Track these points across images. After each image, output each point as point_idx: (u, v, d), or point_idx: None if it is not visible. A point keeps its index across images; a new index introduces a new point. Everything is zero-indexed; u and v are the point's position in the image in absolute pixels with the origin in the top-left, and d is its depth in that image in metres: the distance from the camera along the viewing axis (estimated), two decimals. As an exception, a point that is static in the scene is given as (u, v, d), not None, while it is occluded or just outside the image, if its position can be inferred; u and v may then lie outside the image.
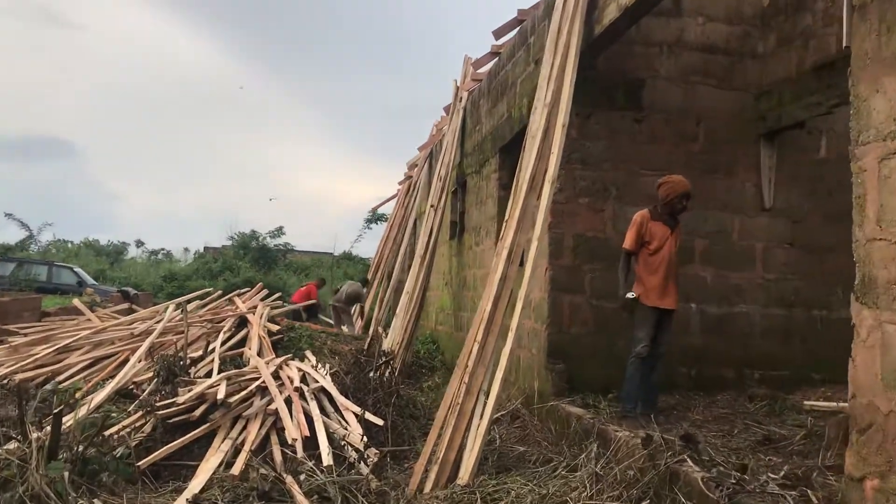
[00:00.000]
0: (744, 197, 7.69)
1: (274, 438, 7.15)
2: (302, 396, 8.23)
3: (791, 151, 7.73)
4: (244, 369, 9.43)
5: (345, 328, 17.12)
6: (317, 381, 8.93)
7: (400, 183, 20.25)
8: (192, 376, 8.54)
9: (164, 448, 6.39)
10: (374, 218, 34.49)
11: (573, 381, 7.28)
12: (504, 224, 6.65)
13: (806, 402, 7.06)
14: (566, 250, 7.41)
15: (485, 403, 6.07)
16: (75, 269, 27.63)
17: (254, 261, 36.30)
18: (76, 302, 13.43)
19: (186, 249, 49.51)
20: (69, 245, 45.50)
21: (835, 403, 6.95)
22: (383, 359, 9.58)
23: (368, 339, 13.55)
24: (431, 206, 12.33)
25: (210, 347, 10.71)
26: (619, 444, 5.44)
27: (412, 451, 7.44)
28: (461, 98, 12.59)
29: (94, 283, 27.40)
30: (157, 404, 7.12)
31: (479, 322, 6.30)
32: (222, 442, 6.90)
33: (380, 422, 7.28)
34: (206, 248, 45.46)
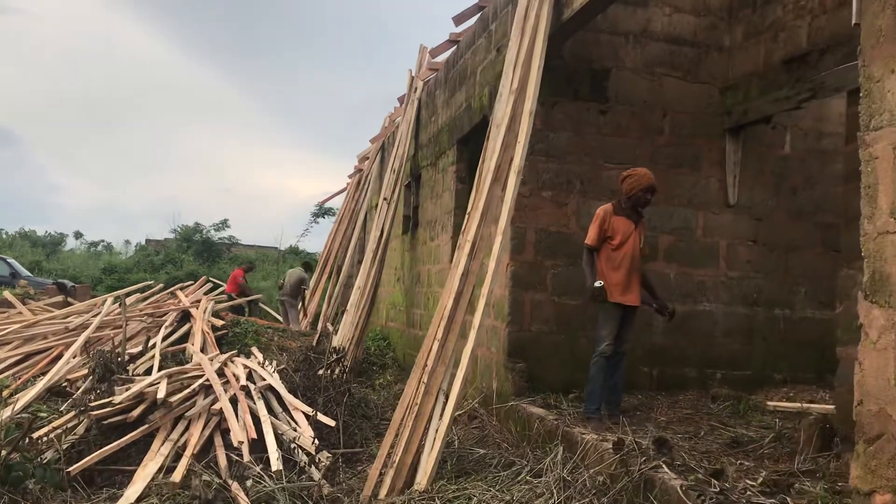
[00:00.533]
0: (708, 193, 7.53)
1: (218, 440, 6.73)
2: (248, 395, 7.82)
3: (756, 147, 7.60)
4: (187, 366, 8.96)
5: (291, 325, 16.62)
6: (264, 379, 8.52)
7: (350, 176, 19.80)
8: (130, 374, 8.04)
9: (98, 452, 5.93)
10: (322, 212, 33.92)
11: (534, 381, 7.03)
12: (466, 217, 6.35)
13: (769, 403, 6.93)
14: (528, 245, 7.15)
15: (444, 404, 5.77)
16: (8, 261, 26.48)
17: (197, 254, 35.41)
18: (7, 294, 12.71)
19: (128, 242, 48.13)
20: (3, 235, 43.81)
21: (798, 404, 6.84)
22: (334, 356, 9.20)
23: (317, 336, 13.15)
24: (384, 199, 11.97)
25: (150, 343, 10.20)
26: (587, 448, 5.18)
27: (366, 454, 7.10)
28: (416, 88, 12.25)
29: (29, 275, 26.33)
30: (91, 404, 6.63)
31: (439, 319, 5.99)
32: (162, 445, 6.46)
33: (331, 423, 6.92)
34: (147, 241, 44.22)
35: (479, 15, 8.99)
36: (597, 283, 6.01)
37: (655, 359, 7.30)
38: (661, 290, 6.92)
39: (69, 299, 14.87)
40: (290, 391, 8.20)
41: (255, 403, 7.57)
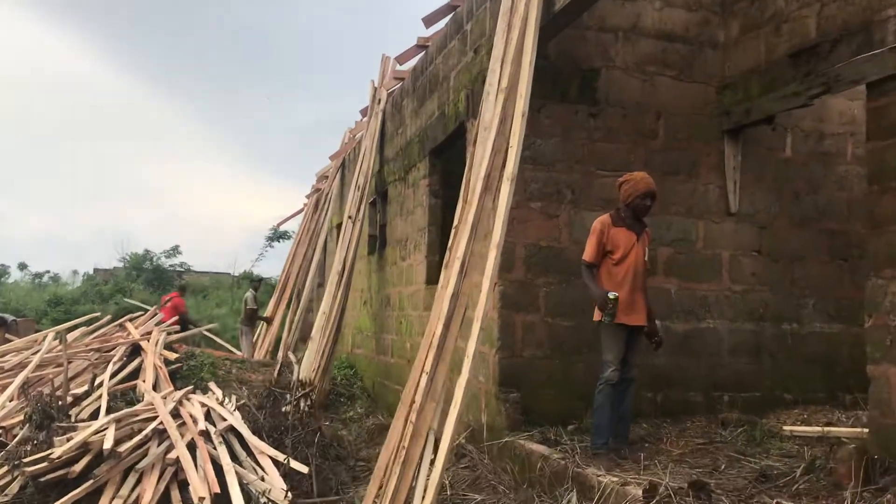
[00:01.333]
0: (708, 200, 6.96)
1: (176, 495, 5.89)
2: (208, 439, 6.99)
3: (756, 150, 7.07)
4: (137, 407, 8.06)
5: (246, 354, 15.66)
6: (224, 420, 7.69)
7: (308, 196, 18.99)
8: (73, 419, 7.14)
9: (29, 523, 5.05)
10: (277, 236, 32.90)
11: (528, 413, 6.34)
12: (453, 232, 5.66)
13: (785, 427, 6.34)
14: (517, 262, 6.48)
15: (436, 447, 5.04)
16: (-56, 295, 24.97)
17: (148, 282, 34.04)
18: (-66, 332, 11.59)
19: (75, 272, 46.23)
20: (-62, 269, 41.73)
21: (818, 428, 6.26)
22: (300, 390, 8.39)
23: (278, 367, 12.29)
24: (349, 217, 11.23)
25: (97, 381, 9.27)
26: (607, 494, 4.50)
27: (342, 502, 6.33)
28: (380, 99, 11.57)
29: (-34, 309, 24.83)
30: (25, 459, 5.75)
31: (427, 348, 5.28)
32: (111, 503, 5.60)
33: (304, 469, 6.15)
34: (95, 270, 42.55)
35: (451, 16, 8.36)
36: (611, 294, 5.34)
37: (659, 383, 6.67)
38: (660, 308, 6.31)
39: (8, 335, 13.77)
40: (254, 432, 7.38)
41: (216, 448, 6.74)
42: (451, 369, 5.32)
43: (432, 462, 5.06)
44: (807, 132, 7.22)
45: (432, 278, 8.74)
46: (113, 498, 5.64)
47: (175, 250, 37.21)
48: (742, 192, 6.98)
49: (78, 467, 5.72)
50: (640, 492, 4.26)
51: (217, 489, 5.53)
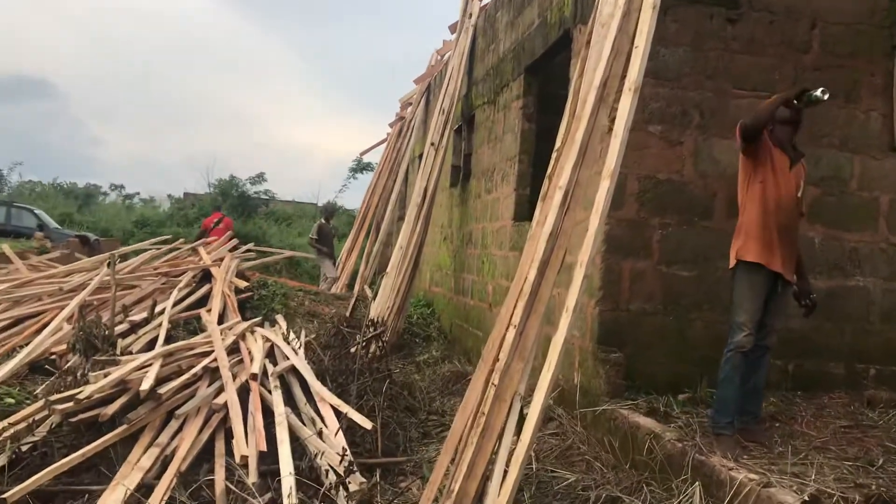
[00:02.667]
0: (868, 131, 5.67)
1: (220, 447, 5.17)
2: (267, 380, 6.27)
3: (933, 71, 5.71)
4: (194, 340, 7.40)
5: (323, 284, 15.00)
6: (287, 359, 6.97)
7: (391, 125, 18.06)
8: (118, 350, 6.52)
9: (43, 472, 4.36)
10: (360, 167, 32.32)
11: (632, 376, 5.33)
12: (554, 156, 4.62)
13: (952, 414, 5.16)
14: (628, 198, 5.40)
15: (523, 416, 4.11)
16: (36, 212, 25.35)
17: (232, 208, 34.06)
18: (3, 247, 11.29)
19: (169, 196, 46.99)
20: (37, 189, 42.96)
21: None
22: (371, 331, 7.59)
23: (353, 301, 11.58)
24: (431, 144, 10.24)
25: (159, 308, 8.70)
26: (744, 496, 3.49)
27: (411, 462, 5.51)
28: (471, 13, 10.42)
29: (58, 227, 25.18)
30: (54, 397, 5.11)
31: (517, 297, 4.30)
32: (145, 452, 4.90)
33: (368, 425, 5.32)
34: (185, 195, 43.08)
35: None
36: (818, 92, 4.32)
37: (791, 349, 5.53)
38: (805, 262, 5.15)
39: (91, 254, 13.46)
40: (317, 375, 6.63)
41: (272, 393, 6.01)
42: (544, 323, 4.34)
43: (517, 434, 4.14)
44: None
45: (521, 214, 7.73)
46: (149, 446, 4.94)
47: (260, 177, 37.15)
48: (911, 123, 5.66)
49: (111, 409, 5.04)
50: (791, 499, 3.23)
51: (263, 446, 4.76)
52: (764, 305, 4.51)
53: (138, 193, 48.38)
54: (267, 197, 37.54)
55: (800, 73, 5.53)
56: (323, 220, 15.54)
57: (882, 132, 5.68)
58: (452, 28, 11.17)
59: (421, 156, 13.53)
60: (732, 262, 4.55)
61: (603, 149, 4.32)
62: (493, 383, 4.19)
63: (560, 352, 4.01)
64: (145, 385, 5.26)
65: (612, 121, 4.18)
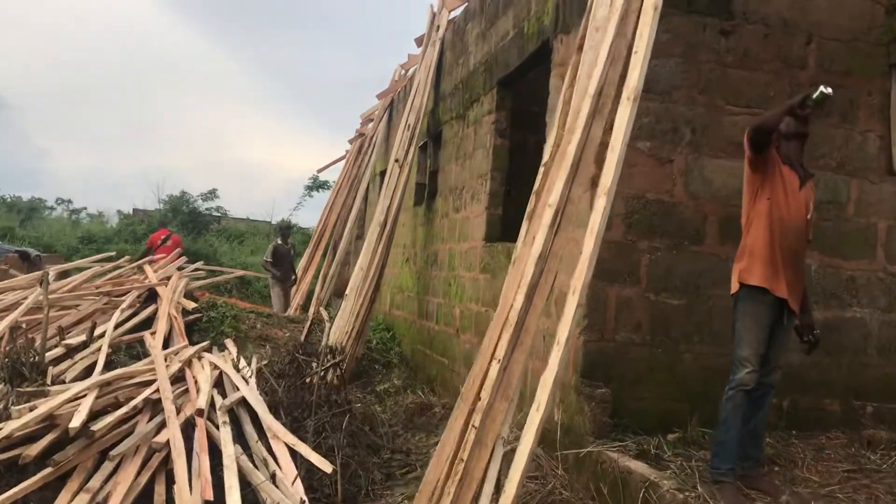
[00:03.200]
0: (865, 153, 5.37)
1: (160, 491, 4.58)
2: (214, 412, 5.69)
3: (931, 92, 5.44)
4: (136, 367, 6.78)
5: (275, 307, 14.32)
6: (237, 389, 6.39)
7: (351, 141, 17.53)
8: (48, 379, 5.88)
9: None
10: (317, 185, 31.62)
11: (618, 414, 4.89)
12: (542, 170, 4.18)
13: (957, 455, 4.82)
14: (615, 218, 4.97)
15: (506, 462, 3.63)
16: (-28, 226, 24.17)
17: (182, 224, 33.07)
18: (-70, 264, 10.45)
19: (119, 212, 45.57)
20: (-24, 201, 41.27)
21: None
22: (329, 358, 7.05)
23: (308, 324, 10.99)
24: (395, 160, 9.77)
25: (98, 332, 8.03)
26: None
27: (372, 509, 4.99)
28: (439, 26, 10.02)
29: (-1, 242, 24.01)
30: (-33, 436, 4.47)
31: (501, 326, 3.83)
32: (72, 499, 4.30)
33: (328, 468, 4.78)
34: (135, 210, 41.80)
35: None
36: (824, 88, 3.89)
37: (786, 385, 5.08)
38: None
39: (31, 271, 12.63)
40: (270, 407, 6.08)
41: (220, 428, 5.43)
42: (530, 356, 3.88)
43: (499, 483, 3.66)
44: None
45: (493, 234, 7.29)
46: (78, 491, 4.34)
47: (213, 194, 36.18)
48: (910, 146, 5.37)
49: (35, 449, 4.42)
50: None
51: (209, 494, 4.19)
52: (768, 337, 4.11)
53: (85, 208, 46.81)
54: (219, 214, 36.62)
55: (795, 91, 5.19)
56: (279, 241, 14.61)
57: (879, 155, 5.37)
58: (419, 41, 10.76)
59: (382, 173, 13.04)
60: (734, 288, 4.15)
61: (594, 163, 3.90)
62: (473, 425, 3.71)
63: (551, 391, 3.55)
64: (76, 421, 4.66)
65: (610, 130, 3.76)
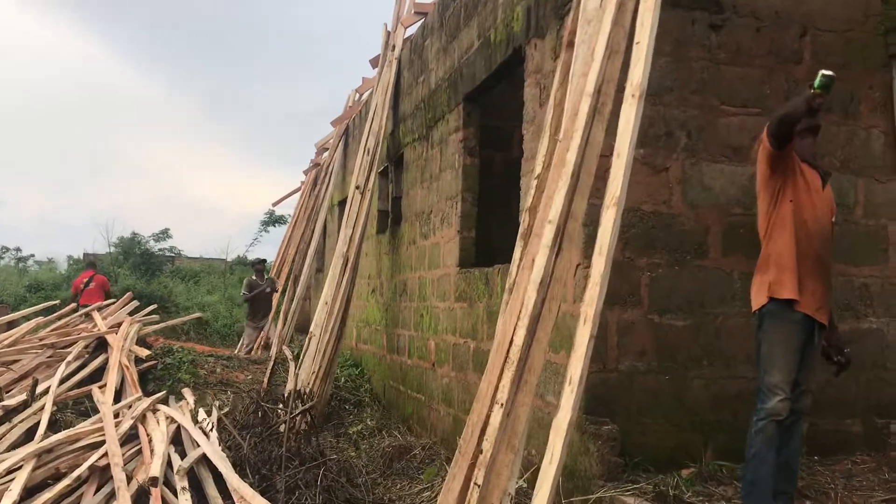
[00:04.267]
0: (870, 150, 4.99)
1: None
2: (172, 475, 5.06)
3: (932, 83, 5.10)
4: (80, 428, 6.12)
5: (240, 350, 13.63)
6: (197, 445, 5.77)
7: (306, 172, 16.96)
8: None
9: None
10: (273, 220, 30.87)
11: (628, 451, 4.38)
12: (534, 183, 3.70)
13: None
14: (611, 234, 4.49)
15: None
16: None
17: (135, 267, 31.97)
18: None
19: (69, 257, 44.06)
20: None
21: None
22: (298, 404, 6.43)
23: (271, 364, 10.33)
24: (357, 188, 9.23)
25: (42, 388, 7.34)
26: None
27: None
28: (394, 45, 9.55)
29: (-62, 293, 22.85)
30: None
31: (502, 365, 3.30)
32: None
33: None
34: (84, 255, 40.42)
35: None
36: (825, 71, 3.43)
37: (805, 406, 4.69)
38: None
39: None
40: (235, 465, 5.46)
41: (179, 494, 4.81)
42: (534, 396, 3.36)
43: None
44: None
45: (467, 259, 6.79)
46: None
47: (165, 234, 35.13)
48: (915, 141, 5.01)
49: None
50: None
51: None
52: (801, 356, 3.65)
53: (33, 255, 45.23)
54: (173, 254, 35.57)
55: (792, 87, 4.81)
56: (253, 277, 14.06)
57: (885, 152, 5.00)
58: (374, 62, 10.28)
59: (341, 203, 12.49)
60: (759, 303, 3.69)
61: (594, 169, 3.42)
62: (476, 483, 3.16)
63: (566, 438, 3.02)
64: (7, 500, 4.00)
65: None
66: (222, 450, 5.77)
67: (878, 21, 5.01)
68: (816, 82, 3.47)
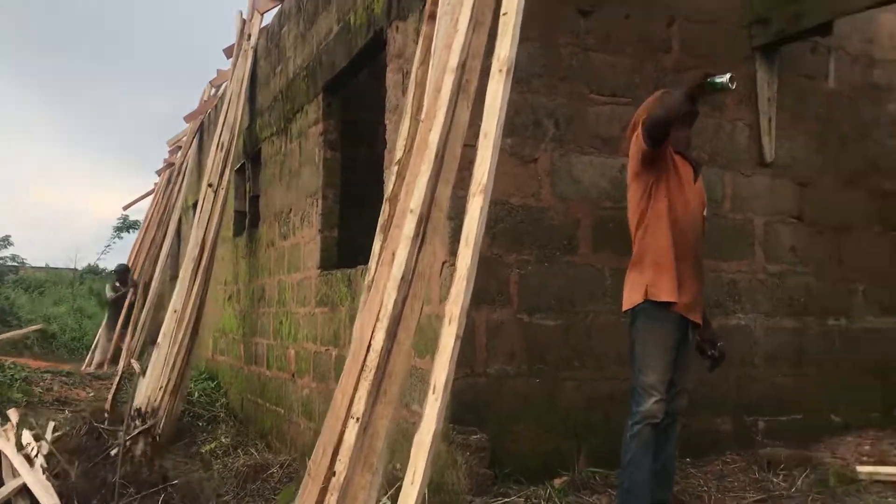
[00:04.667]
0: (736, 144, 4.93)
1: None
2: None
3: (792, 78, 5.12)
4: None
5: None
6: (17, 475, 5.05)
7: (159, 172, 15.92)
8: None
9: None
10: (126, 225, 29.04)
11: (498, 461, 4.07)
12: (394, 169, 3.32)
13: (861, 469, 4.39)
14: (478, 229, 4.18)
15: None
16: None
17: (-29, 278, 29.33)
18: None
19: None
20: None
21: (906, 467, 4.35)
22: (138, 424, 5.78)
23: (116, 380, 9.46)
24: (209, 185, 8.57)
25: None
26: None
27: None
28: (250, 35, 8.96)
29: None
30: None
31: (358, 373, 2.89)
32: None
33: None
34: (-78, 269, 36.73)
35: None
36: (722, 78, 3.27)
37: (676, 407, 4.54)
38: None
39: None
40: (62, 496, 4.79)
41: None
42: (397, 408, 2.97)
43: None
44: (854, 56, 5.33)
45: (329, 261, 6.34)
46: None
47: (6, 241, 32.42)
48: (778, 135, 4.99)
49: None
50: None
51: None
52: (677, 355, 3.45)
53: None
54: (16, 263, 32.87)
55: (660, 75, 4.68)
56: (117, 283, 13.33)
57: (749, 145, 4.95)
58: (228, 52, 9.62)
59: (195, 205, 11.69)
60: (635, 302, 3.45)
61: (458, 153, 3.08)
62: (328, 510, 2.73)
63: (430, 454, 2.65)
64: None
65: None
66: (48, 478, 5.08)
67: (742, 13, 4.96)
68: (719, 80, 3.28)
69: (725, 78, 3.29)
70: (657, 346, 3.40)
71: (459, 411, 4.09)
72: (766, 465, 4.52)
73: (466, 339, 4.06)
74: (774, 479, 4.34)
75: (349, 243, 6.61)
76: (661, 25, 4.76)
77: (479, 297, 4.17)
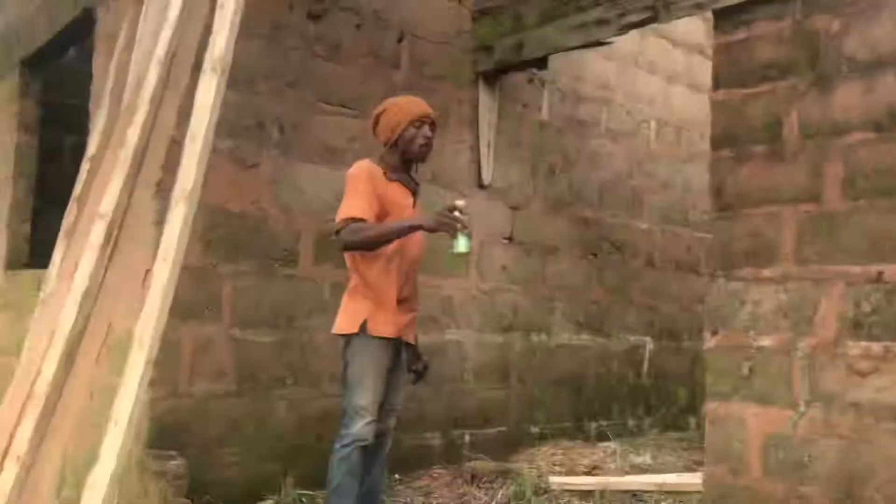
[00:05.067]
0: (457, 165, 5.05)
1: None
2: None
3: (512, 106, 5.36)
4: None
5: None
6: None
7: None
8: None
9: None
10: None
11: (200, 488, 3.78)
12: (86, 168, 2.94)
13: (554, 480, 4.68)
14: (190, 237, 3.85)
15: None
16: None
17: None
18: None
19: None
20: None
21: (594, 480, 4.69)
22: None
23: None
24: None
25: None
26: None
27: None
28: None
29: None
30: None
31: (21, 405, 2.49)
32: None
33: None
34: None
35: None
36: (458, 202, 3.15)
37: (389, 423, 4.55)
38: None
39: None
40: None
41: None
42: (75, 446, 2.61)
43: None
44: (564, 91, 5.70)
45: (17, 259, 5.61)
46: None
47: None
48: (496, 160, 5.21)
49: None
50: None
51: None
52: (388, 376, 3.40)
53: None
54: None
55: (390, 90, 4.64)
56: None
57: (471, 166, 5.11)
58: None
59: None
60: (349, 331, 3.34)
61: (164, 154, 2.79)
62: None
63: (106, 497, 2.34)
64: None
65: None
66: None
67: (469, 38, 5.10)
68: (456, 252, 3.15)
69: (462, 247, 3.18)
70: (371, 367, 3.31)
71: (158, 436, 3.74)
72: (471, 479, 4.65)
73: (170, 357, 3.75)
74: (476, 493, 4.48)
75: (46, 241, 5.87)
76: (391, 40, 4.75)
77: (188, 310, 3.86)
